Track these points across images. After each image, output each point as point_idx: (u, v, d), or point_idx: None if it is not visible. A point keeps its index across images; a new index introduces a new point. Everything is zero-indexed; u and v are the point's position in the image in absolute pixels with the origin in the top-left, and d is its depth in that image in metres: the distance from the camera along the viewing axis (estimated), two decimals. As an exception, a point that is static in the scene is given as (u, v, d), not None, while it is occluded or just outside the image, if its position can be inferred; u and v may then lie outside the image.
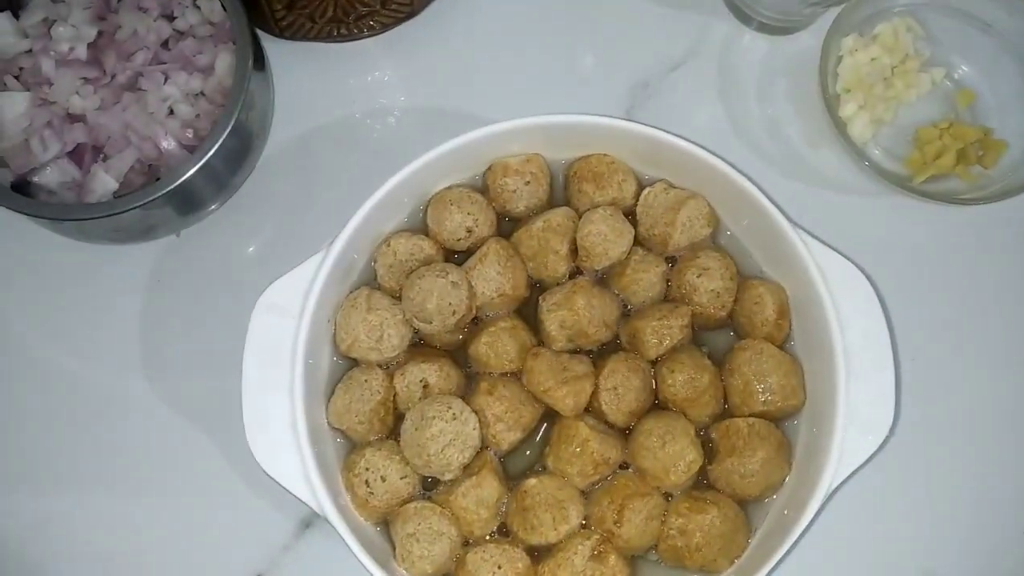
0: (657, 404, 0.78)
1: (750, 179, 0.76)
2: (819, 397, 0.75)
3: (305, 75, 0.95)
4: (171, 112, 0.84)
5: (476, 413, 0.74)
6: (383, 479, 0.74)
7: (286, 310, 0.74)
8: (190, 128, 0.84)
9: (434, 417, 0.73)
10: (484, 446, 0.76)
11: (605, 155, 0.81)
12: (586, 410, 0.76)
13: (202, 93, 0.85)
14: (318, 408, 0.76)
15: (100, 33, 0.84)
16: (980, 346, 0.88)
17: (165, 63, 0.84)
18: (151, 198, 0.78)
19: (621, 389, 0.75)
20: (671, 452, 0.73)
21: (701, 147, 0.77)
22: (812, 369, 0.77)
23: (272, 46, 0.92)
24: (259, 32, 0.90)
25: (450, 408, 0.73)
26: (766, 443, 0.74)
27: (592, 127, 0.79)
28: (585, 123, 0.78)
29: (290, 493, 0.71)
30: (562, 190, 0.84)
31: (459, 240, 0.80)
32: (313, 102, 0.94)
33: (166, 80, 0.84)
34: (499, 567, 0.72)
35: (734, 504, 0.75)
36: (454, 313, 0.76)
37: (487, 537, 0.75)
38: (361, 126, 0.94)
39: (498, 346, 0.77)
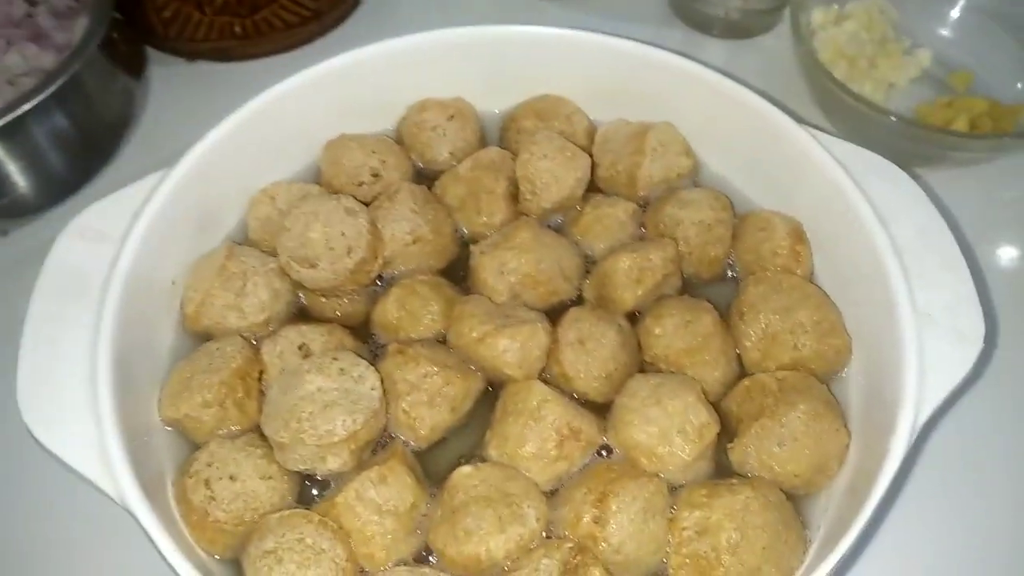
0: (644, 370, 0.54)
1: (739, 80, 0.60)
2: (872, 331, 0.52)
3: (195, 97, 0.81)
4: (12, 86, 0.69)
5: (383, 380, 0.50)
6: (231, 478, 0.48)
7: (105, 235, 0.52)
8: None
9: (309, 371, 0.49)
10: (394, 435, 0.51)
11: (548, 95, 0.65)
12: (543, 381, 0.52)
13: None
14: (146, 396, 0.52)
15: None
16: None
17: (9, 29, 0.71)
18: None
19: (590, 342, 0.52)
20: (671, 411, 0.49)
21: (676, 53, 0.61)
22: (855, 299, 0.54)
23: (164, 69, 0.80)
24: (151, 51, 0.80)
25: (336, 360, 0.49)
26: (806, 396, 0.50)
27: (540, 40, 0.62)
28: (533, 36, 0.62)
29: (78, 475, 0.44)
30: (497, 144, 0.66)
31: (361, 185, 0.60)
32: (201, 123, 0.79)
33: (8, 47, 0.69)
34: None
35: (776, 487, 0.48)
36: (350, 252, 0.54)
37: (394, 564, 0.47)
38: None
39: (413, 302, 0.55)
